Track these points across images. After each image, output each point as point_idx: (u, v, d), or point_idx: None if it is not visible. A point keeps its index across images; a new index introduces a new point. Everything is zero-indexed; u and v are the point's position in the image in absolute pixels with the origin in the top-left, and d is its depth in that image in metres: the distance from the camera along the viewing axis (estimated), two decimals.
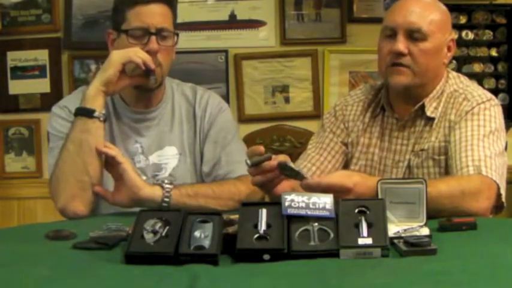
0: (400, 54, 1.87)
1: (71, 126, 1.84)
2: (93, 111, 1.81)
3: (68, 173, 1.79)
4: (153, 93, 1.99)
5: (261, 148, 1.68)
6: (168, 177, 1.96)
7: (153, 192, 1.78)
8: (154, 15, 1.90)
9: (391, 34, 1.89)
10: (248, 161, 1.68)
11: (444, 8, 1.94)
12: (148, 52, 1.87)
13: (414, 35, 1.87)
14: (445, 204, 1.64)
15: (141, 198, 1.76)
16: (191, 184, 1.91)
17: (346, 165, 2.06)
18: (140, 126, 2.00)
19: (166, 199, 1.78)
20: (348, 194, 1.59)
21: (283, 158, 1.69)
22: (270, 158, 1.66)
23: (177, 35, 1.96)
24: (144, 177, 1.91)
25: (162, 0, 1.92)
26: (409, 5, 1.89)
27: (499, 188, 1.76)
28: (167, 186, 1.79)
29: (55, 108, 2.00)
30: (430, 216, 1.51)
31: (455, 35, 1.97)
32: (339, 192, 1.54)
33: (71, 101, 1.97)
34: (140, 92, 1.97)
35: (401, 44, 1.86)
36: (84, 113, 1.82)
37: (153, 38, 1.88)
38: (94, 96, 1.82)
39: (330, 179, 1.64)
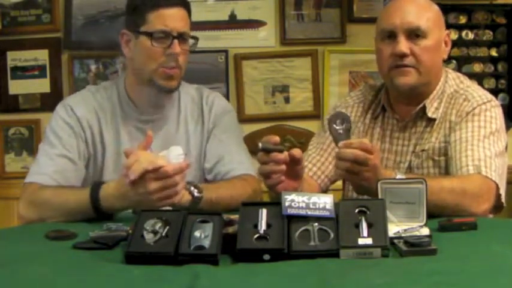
0: (403, 56, 1.87)
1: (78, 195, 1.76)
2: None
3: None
4: (167, 95, 2.01)
5: (276, 138, 1.67)
6: None
7: (184, 200, 1.75)
8: (177, 19, 1.93)
9: (389, 36, 1.89)
10: (260, 144, 1.67)
11: (435, 5, 1.96)
12: (171, 55, 1.90)
13: (414, 33, 1.87)
14: (447, 199, 1.65)
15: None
16: (216, 188, 1.88)
17: None
18: (148, 127, 2.00)
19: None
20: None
21: (295, 152, 1.69)
22: (281, 151, 1.66)
23: (197, 39, 1.99)
24: None
25: (182, 5, 1.96)
26: (404, 6, 1.90)
27: (498, 189, 1.77)
28: (197, 195, 1.77)
29: (59, 106, 2.02)
30: (431, 214, 1.51)
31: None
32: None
33: (76, 101, 1.99)
34: (161, 94, 1.98)
35: (402, 45, 1.86)
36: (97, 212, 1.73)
37: (176, 41, 1.91)
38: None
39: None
